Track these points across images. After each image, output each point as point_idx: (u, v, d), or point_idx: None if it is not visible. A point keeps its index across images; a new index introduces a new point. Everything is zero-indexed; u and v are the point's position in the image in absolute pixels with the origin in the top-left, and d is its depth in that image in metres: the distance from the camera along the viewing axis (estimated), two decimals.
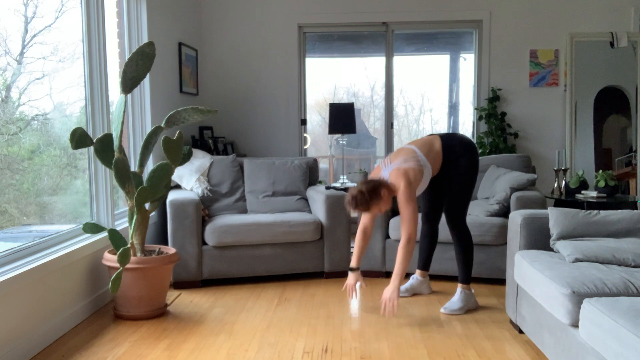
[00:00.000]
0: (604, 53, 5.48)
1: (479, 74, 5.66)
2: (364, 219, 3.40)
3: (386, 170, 3.28)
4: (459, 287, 3.47)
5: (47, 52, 3.34)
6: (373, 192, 3.11)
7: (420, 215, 3.79)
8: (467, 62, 5.91)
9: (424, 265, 3.76)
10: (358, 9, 5.66)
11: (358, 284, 3.42)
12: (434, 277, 4.11)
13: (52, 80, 3.39)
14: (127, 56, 4.11)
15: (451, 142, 3.38)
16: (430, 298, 3.69)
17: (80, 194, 3.67)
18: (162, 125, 3.32)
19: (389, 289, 3.15)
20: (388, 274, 4.19)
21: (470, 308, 3.44)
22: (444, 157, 3.35)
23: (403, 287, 3.74)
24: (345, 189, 4.76)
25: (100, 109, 3.55)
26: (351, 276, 3.42)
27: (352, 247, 4.78)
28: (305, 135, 5.92)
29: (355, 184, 4.90)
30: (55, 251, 3.06)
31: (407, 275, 4.04)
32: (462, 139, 3.42)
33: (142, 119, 4.30)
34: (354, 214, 3.48)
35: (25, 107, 3.24)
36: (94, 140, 3.10)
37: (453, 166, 3.37)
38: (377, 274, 4.18)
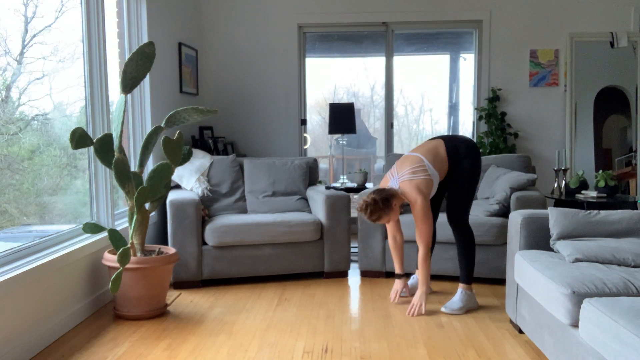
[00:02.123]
0: (604, 53, 5.48)
1: (479, 74, 5.66)
2: (390, 228, 3.58)
3: (394, 180, 3.38)
4: (460, 287, 3.47)
5: (47, 52, 3.34)
6: (386, 202, 3.25)
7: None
8: (467, 62, 5.91)
9: None
10: (358, 9, 5.67)
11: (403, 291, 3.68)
12: (434, 277, 4.11)
13: (52, 80, 3.39)
14: (127, 56, 4.11)
15: (455, 144, 3.43)
16: (430, 298, 3.69)
17: (80, 194, 3.67)
18: (162, 125, 3.32)
19: (418, 296, 3.39)
20: (388, 274, 4.19)
21: (470, 308, 3.44)
22: (449, 161, 3.39)
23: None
24: (346, 189, 4.76)
25: (100, 109, 3.55)
26: (398, 283, 3.64)
27: (353, 247, 4.81)
28: (305, 135, 5.92)
29: (355, 184, 4.91)
30: (55, 251, 3.06)
31: (408, 275, 4.05)
32: (466, 141, 3.45)
33: (142, 119, 4.30)
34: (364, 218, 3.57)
35: (25, 107, 3.24)
36: (94, 140, 3.10)
37: (457, 167, 3.40)
38: (377, 274, 4.18)
